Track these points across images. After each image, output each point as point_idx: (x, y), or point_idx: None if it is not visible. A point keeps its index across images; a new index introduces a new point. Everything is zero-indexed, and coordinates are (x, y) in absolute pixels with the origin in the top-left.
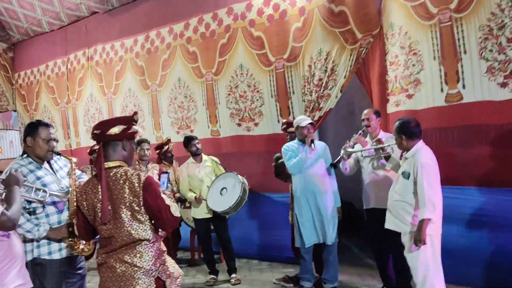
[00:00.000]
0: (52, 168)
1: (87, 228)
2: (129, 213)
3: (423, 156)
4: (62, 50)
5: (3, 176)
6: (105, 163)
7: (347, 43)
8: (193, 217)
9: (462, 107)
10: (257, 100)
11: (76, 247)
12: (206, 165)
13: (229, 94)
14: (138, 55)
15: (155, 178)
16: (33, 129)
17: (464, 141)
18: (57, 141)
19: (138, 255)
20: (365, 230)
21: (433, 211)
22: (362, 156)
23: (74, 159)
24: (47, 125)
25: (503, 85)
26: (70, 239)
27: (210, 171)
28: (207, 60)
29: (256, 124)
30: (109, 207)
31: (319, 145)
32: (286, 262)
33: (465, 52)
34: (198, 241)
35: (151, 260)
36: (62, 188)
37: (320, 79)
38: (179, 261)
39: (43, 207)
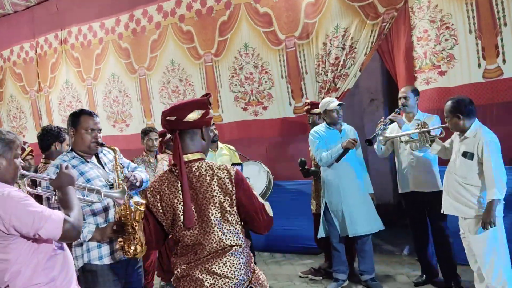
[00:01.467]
0: (100, 162)
1: (158, 235)
2: (219, 214)
3: (487, 134)
4: (29, 33)
5: (51, 174)
6: (184, 155)
7: (367, 18)
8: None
9: (502, 82)
10: (265, 82)
11: (127, 249)
12: (222, 153)
13: (232, 77)
14: (122, 37)
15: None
16: (74, 118)
17: (503, 119)
18: (100, 130)
19: (228, 264)
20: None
21: (502, 191)
22: (401, 141)
23: (116, 148)
24: (90, 114)
25: None
26: (119, 240)
27: (228, 160)
28: (205, 40)
29: (264, 108)
30: (193, 209)
31: (348, 129)
32: (302, 253)
33: (505, 24)
34: None
35: (242, 269)
36: (109, 182)
37: (337, 58)
38: None
39: (89, 205)
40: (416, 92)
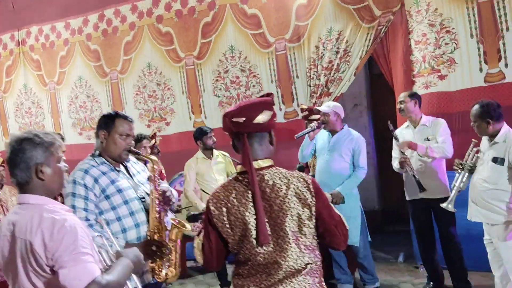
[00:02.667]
0: (128, 172)
1: (220, 253)
2: (297, 229)
3: None
4: None
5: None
6: (254, 162)
7: (363, 21)
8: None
9: (504, 87)
10: (253, 86)
11: (158, 271)
12: (218, 161)
13: (216, 80)
14: (91, 38)
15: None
16: (108, 120)
17: (506, 122)
18: (135, 138)
19: (305, 284)
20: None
21: None
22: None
23: (155, 158)
24: (126, 118)
25: None
26: (150, 262)
27: (223, 168)
28: (186, 42)
29: None
30: (267, 222)
31: (344, 135)
32: None
33: (507, 29)
34: None
35: None
36: (141, 196)
37: (331, 61)
38: None
39: (119, 219)
40: (414, 96)
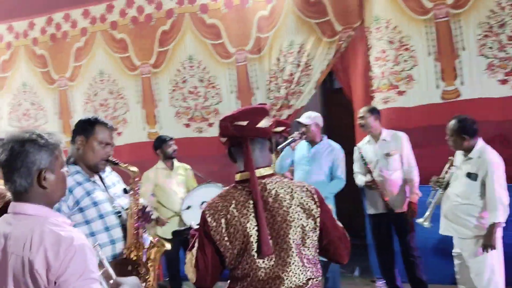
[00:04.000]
0: (103, 184)
1: (216, 269)
2: (300, 241)
3: (492, 155)
4: None
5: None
6: (256, 170)
7: (324, 36)
8: (159, 236)
9: (460, 104)
10: (212, 97)
11: None
12: (178, 172)
13: (174, 90)
14: (37, 42)
15: None
16: (87, 126)
17: None
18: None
19: None
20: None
21: (505, 214)
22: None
23: (135, 169)
24: (107, 125)
25: (503, 82)
26: None
27: (183, 181)
28: (142, 50)
29: (210, 125)
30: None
31: (324, 146)
32: None
33: (463, 48)
34: (167, 268)
35: None
36: (115, 208)
37: (291, 74)
38: None
39: (92, 234)
40: (374, 111)
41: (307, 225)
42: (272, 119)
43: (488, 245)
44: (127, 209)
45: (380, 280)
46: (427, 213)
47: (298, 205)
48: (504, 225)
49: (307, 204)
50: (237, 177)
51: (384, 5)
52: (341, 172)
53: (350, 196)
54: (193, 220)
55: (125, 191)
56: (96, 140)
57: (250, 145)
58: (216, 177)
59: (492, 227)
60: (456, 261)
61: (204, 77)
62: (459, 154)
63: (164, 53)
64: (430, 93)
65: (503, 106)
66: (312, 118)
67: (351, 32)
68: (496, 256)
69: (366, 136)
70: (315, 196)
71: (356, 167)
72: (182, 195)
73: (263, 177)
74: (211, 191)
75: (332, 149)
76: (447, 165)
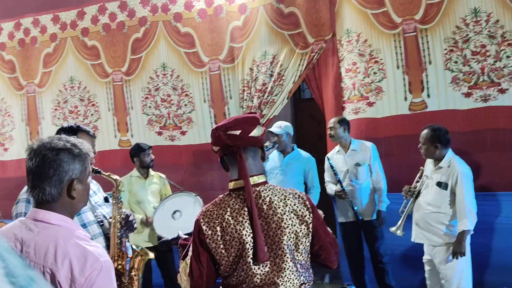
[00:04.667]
0: None
1: (210, 277)
2: (294, 247)
3: (462, 165)
4: None
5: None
6: (250, 178)
7: (297, 47)
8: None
9: (426, 115)
10: (185, 105)
11: None
12: (153, 181)
13: (146, 98)
14: (5, 47)
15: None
16: (69, 134)
17: None
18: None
19: None
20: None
21: (473, 222)
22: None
23: (118, 177)
24: (89, 133)
25: (467, 95)
26: None
27: (157, 190)
28: (114, 57)
29: (183, 133)
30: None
31: (296, 156)
32: None
33: (430, 62)
34: None
35: None
36: (97, 218)
37: (264, 84)
38: None
39: None
40: (343, 122)
41: (301, 231)
42: (263, 128)
43: (458, 252)
44: (110, 218)
45: (350, 286)
46: (400, 222)
47: (291, 212)
48: (472, 232)
49: (300, 210)
50: (231, 185)
51: (355, 19)
52: (315, 180)
53: (322, 205)
54: (163, 229)
55: (106, 199)
56: None
57: (243, 153)
58: (187, 185)
59: (462, 234)
60: (426, 267)
61: (177, 85)
62: (429, 163)
63: (136, 61)
64: (399, 104)
65: (467, 117)
66: (283, 128)
67: (323, 44)
68: (465, 263)
69: (336, 146)
70: (307, 202)
71: (327, 176)
72: (155, 204)
73: (257, 184)
74: (184, 200)
75: (303, 158)
76: (418, 175)
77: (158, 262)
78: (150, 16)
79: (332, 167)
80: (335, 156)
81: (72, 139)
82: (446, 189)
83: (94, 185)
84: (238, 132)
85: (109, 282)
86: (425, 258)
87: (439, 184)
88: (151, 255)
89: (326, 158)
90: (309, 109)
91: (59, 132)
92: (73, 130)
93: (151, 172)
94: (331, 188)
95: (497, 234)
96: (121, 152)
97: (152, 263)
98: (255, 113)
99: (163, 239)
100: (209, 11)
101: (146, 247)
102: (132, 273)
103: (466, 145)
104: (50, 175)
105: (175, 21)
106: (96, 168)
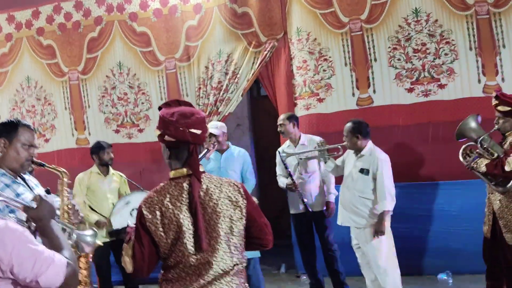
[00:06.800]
0: (27, 185)
1: (152, 259)
2: (228, 230)
3: (381, 153)
4: None
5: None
6: None
7: (250, 46)
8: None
9: (373, 110)
10: (142, 103)
11: None
12: (113, 179)
13: (103, 96)
14: None
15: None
16: (10, 128)
17: (374, 141)
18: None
19: (233, 285)
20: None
21: (392, 203)
22: (300, 159)
23: (63, 169)
24: (30, 127)
25: (410, 90)
26: None
27: (116, 188)
28: (71, 57)
29: (140, 130)
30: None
31: (232, 152)
32: None
33: (375, 59)
34: (96, 273)
35: None
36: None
37: (220, 82)
38: None
39: None
40: (292, 118)
41: (235, 215)
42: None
43: (378, 231)
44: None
45: (304, 275)
46: None
47: (226, 198)
48: (391, 213)
49: (234, 197)
50: (171, 174)
51: (305, 18)
52: (250, 173)
53: (274, 200)
54: (121, 225)
55: (48, 191)
56: (20, 142)
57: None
58: (145, 183)
59: (382, 214)
60: (357, 254)
61: (134, 84)
62: (350, 153)
63: (92, 60)
64: (347, 100)
65: (410, 112)
66: (219, 127)
67: (275, 42)
68: (389, 243)
69: (286, 140)
70: (241, 190)
71: (278, 170)
72: (114, 201)
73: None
74: (142, 198)
75: (239, 154)
76: None
77: (116, 259)
78: (106, 15)
79: (282, 161)
80: (286, 150)
81: None
82: (368, 175)
83: (33, 179)
84: (199, 132)
85: (16, 241)
86: (354, 244)
87: (361, 170)
88: (99, 242)
89: (277, 153)
90: (266, 105)
91: (1, 125)
92: (13, 124)
93: (111, 170)
94: (282, 181)
95: (438, 220)
96: (79, 151)
97: (111, 260)
98: (191, 104)
99: (114, 228)
100: (164, 11)
101: (105, 243)
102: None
103: (409, 138)
104: None
105: (131, 20)
106: (39, 161)
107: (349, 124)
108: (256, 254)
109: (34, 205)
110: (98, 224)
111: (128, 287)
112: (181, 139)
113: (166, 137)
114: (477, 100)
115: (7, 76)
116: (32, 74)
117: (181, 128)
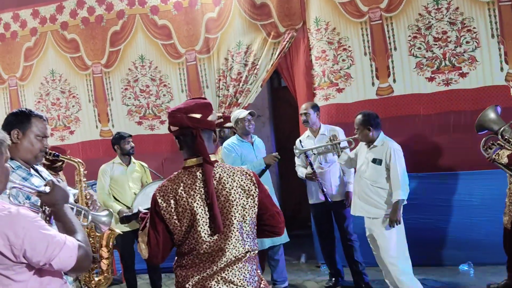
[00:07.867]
0: (42, 176)
1: (166, 246)
2: (241, 218)
3: (394, 143)
4: None
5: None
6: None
7: (269, 37)
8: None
9: (393, 99)
10: (164, 95)
11: (89, 279)
12: (134, 169)
13: (126, 89)
14: None
15: None
16: (23, 119)
17: (395, 130)
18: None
19: (244, 271)
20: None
21: (406, 192)
22: (313, 153)
23: (79, 159)
24: (42, 117)
25: (431, 79)
26: None
27: (138, 178)
28: (94, 50)
29: (162, 122)
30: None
31: (258, 141)
32: None
33: (395, 49)
34: (120, 261)
35: (256, 276)
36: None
37: (239, 73)
38: None
39: None
40: (316, 108)
41: (247, 203)
42: (217, 114)
43: (393, 220)
44: (75, 200)
45: (324, 265)
46: None
47: (239, 187)
48: (405, 202)
49: (247, 185)
50: (185, 163)
51: (323, 8)
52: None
53: (295, 190)
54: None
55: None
56: (34, 133)
57: (202, 135)
58: (166, 173)
59: (396, 204)
60: (371, 243)
61: (156, 76)
62: (362, 145)
63: (115, 53)
64: (366, 90)
65: (431, 101)
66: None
67: (294, 33)
68: (400, 233)
69: (306, 130)
70: (253, 178)
71: (297, 160)
72: (136, 191)
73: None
74: None
75: (261, 142)
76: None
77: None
78: (128, 9)
79: (305, 153)
80: (305, 141)
81: None
82: (381, 164)
83: (46, 171)
84: (199, 116)
85: (28, 226)
86: (368, 235)
87: (374, 160)
88: (117, 231)
89: (296, 142)
90: (287, 96)
91: (9, 118)
92: (26, 115)
93: (133, 160)
94: (302, 171)
95: (460, 211)
96: (103, 142)
97: (135, 248)
98: (205, 98)
99: (124, 214)
100: (184, 3)
101: (129, 231)
102: (105, 250)
103: (430, 128)
104: None
105: (152, 13)
106: (54, 152)
107: (359, 117)
108: (285, 239)
109: (47, 190)
110: (120, 214)
111: (152, 275)
112: (181, 125)
113: (171, 127)
114: (499, 89)
115: (32, 70)
116: (57, 68)
117: (178, 115)
